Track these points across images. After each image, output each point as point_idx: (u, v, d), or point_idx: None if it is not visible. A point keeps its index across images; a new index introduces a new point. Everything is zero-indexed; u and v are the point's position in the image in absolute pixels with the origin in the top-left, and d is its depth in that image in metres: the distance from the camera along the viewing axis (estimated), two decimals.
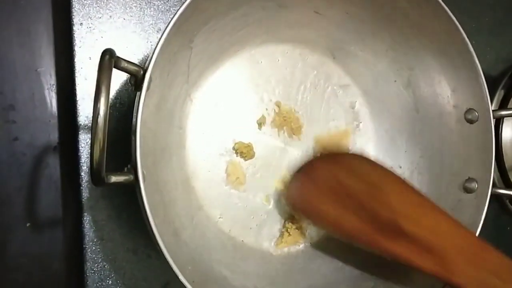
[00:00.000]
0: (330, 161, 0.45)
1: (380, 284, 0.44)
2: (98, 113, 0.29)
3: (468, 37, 0.43)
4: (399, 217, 0.39)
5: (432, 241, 0.39)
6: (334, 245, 0.48)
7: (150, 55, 0.34)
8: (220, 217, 0.46)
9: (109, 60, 0.30)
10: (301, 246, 0.48)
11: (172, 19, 0.35)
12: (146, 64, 0.34)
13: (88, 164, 0.44)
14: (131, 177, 0.33)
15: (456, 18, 0.43)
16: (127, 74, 0.34)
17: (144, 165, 0.34)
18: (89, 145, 0.43)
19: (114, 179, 0.32)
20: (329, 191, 0.42)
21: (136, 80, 0.34)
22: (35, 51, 0.43)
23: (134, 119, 0.34)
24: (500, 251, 0.39)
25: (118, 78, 0.45)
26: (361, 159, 0.45)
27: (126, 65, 0.33)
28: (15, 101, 0.43)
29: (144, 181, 0.33)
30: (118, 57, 0.32)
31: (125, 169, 0.34)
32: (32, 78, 0.43)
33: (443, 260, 0.38)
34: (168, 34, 0.35)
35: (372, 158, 0.49)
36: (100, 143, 0.29)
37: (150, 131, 0.38)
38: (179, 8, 0.35)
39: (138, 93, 0.34)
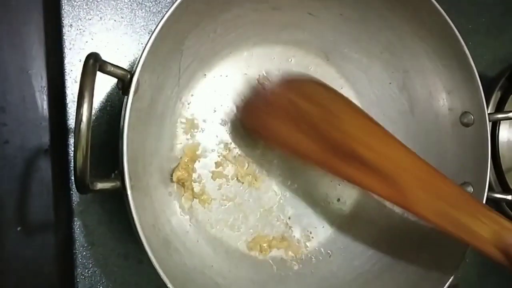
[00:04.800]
0: (285, 84, 0.44)
1: None
2: (81, 119, 0.28)
3: (464, 38, 0.43)
4: (353, 142, 0.39)
5: (388, 167, 0.38)
6: (327, 250, 0.47)
7: (138, 59, 0.34)
8: (211, 222, 0.45)
9: (93, 64, 0.30)
10: (295, 252, 0.47)
11: (160, 20, 0.34)
12: (134, 68, 0.33)
13: None
14: (118, 183, 0.33)
15: (452, 19, 0.42)
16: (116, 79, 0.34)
17: (133, 171, 0.33)
18: None
19: (100, 186, 0.32)
20: (283, 113, 0.42)
21: (123, 84, 0.33)
22: (26, 52, 0.43)
23: (121, 124, 0.33)
24: (455, 183, 0.39)
25: (109, 81, 0.44)
26: (317, 84, 0.44)
27: (112, 69, 0.32)
28: (5, 103, 0.42)
29: (131, 188, 0.32)
30: (104, 61, 0.31)
31: (112, 175, 0.34)
32: (23, 80, 0.43)
33: (398, 186, 0.38)
34: (157, 36, 0.34)
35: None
36: (83, 150, 0.28)
37: (140, 135, 0.38)
38: (168, 10, 0.35)
39: (125, 97, 0.33)
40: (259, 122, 0.44)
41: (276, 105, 0.43)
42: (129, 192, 0.32)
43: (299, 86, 0.44)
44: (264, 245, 0.46)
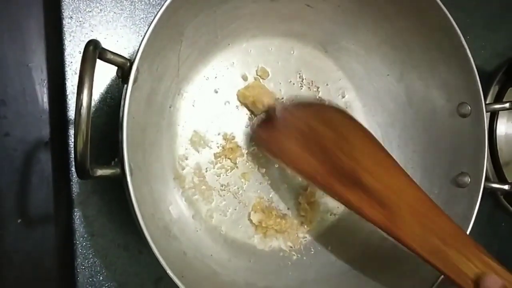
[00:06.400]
0: (304, 107, 0.46)
1: (371, 279, 0.44)
2: (81, 105, 0.28)
3: (462, 32, 0.43)
4: (359, 168, 0.41)
5: (387, 196, 0.40)
6: (326, 241, 0.47)
7: (137, 47, 0.34)
8: (211, 212, 0.45)
9: (93, 51, 0.30)
10: (294, 242, 0.48)
11: (159, 10, 0.34)
12: (133, 56, 0.34)
13: None
14: (118, 170, 0.33)
15: (450, 12, 0.43)
16: (116, 67, 0.34)
17: (132, 159, 0.34)
18: None
19: (100, 172, 0.32)
20: (296, 132, 0.43)
21: (123, 72, 0.34)
22: (26, 46, 0.43)
23: (121, 112, 0.33)
24: (450, 218, 0.40)
25: (108, 73, 0.44)
26: (335, 111, 0.46)
27: (112, 56, 0.32)
28: (6, 96, 0.42)
29: (131, 175, 0.33)
30: (104, 49, 0.32)
31: (112, 162, 0.34)
32: (23, 73, 0.43)
33: (393, 215, 0.39)
34: (156, 26, 0.34)
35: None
36: (83, 135, 0.29)
37: (139, 125, 0.38)
38: (166, 0, 0.35)
39: (125, 86, 0.34)
40: (271, 140, 0.45)
41: (291, 125, 0.44)
42: (128, 178, 0.32)
43: (317, 110, 0.45)
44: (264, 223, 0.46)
